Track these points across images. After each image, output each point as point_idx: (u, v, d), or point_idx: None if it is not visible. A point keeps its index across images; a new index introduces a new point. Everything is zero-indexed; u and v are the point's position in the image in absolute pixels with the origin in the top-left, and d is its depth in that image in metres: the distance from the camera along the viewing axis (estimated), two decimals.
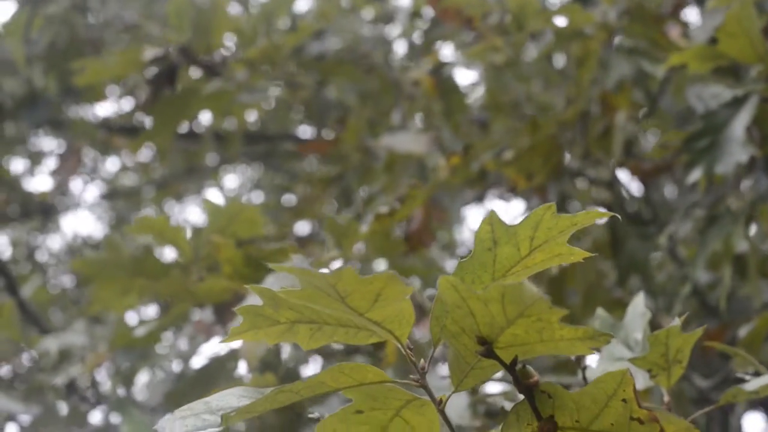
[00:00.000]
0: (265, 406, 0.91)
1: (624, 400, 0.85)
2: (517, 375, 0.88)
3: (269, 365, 1.92)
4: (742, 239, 1.93)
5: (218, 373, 2.02)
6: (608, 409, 0.87)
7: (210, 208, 1.97)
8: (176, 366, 3.02)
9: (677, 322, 1.11)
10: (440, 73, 3.13)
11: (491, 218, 0.91)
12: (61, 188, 5.40)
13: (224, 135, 4.45)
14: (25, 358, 2.92)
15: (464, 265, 0.94)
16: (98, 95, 3.45)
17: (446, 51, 3.41)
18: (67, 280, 5.33)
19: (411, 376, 0.97)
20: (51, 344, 2.63)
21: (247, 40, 2.81)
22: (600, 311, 1.35)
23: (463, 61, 2.85)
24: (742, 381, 1.21)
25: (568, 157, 2.51)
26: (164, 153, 3.06)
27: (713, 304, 2.51)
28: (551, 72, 2.75)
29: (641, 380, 1.19)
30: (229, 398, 0.93)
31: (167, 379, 2.88)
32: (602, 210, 0.89)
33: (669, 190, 3.26)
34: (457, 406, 1.71)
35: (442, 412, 0.95)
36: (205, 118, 4.77)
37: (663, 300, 2.58)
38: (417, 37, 3.46)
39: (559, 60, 2.88)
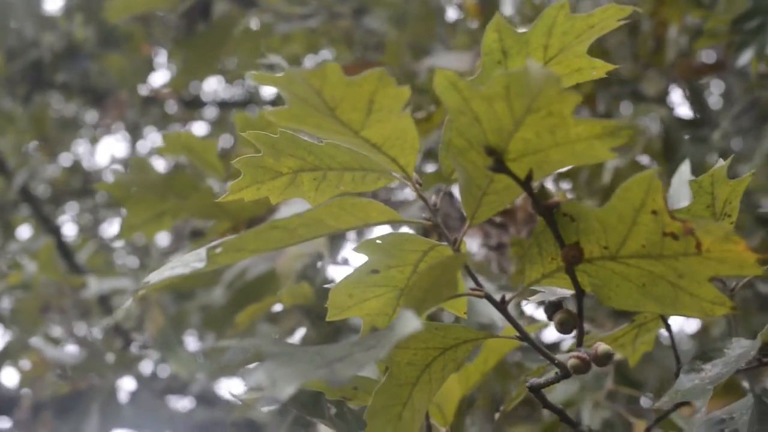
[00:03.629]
0: (257, 244, 0.82)
1: (654, 212, 0.75)
2: (533, 193, 0.79)
3: (306, 278, 1.84)
4: None
5: (255, 294, 1.95)
6: (637, 227, 0.77)
7: (241, 121, 1.88)
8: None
9: (722, 163, 1.00)
10: (488, 2, 3.02)
11: (498, 24, 0.81)
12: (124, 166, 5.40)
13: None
14: (72, 305, 2.87)
15: (473, 83, 0.84)
16: (136, 44, 3.40)
17: None
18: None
19: (422, 215, 0.88)
20: (93, 286, 2.57)
21: None
22: None
23: None
24: None
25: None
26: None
27: None
28: None
29: None
30: (219, 241, 0.84)
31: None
32: (621, 6, 0.79)
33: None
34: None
35: (458, 252, 0.86)
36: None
37: None
38: None
39: None
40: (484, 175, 0.79)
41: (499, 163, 0.76)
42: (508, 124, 0.72)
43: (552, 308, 0.87)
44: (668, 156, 2.17)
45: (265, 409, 1.82)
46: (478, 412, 2.16)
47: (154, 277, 0.85)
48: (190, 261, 0.85)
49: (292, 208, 1.69)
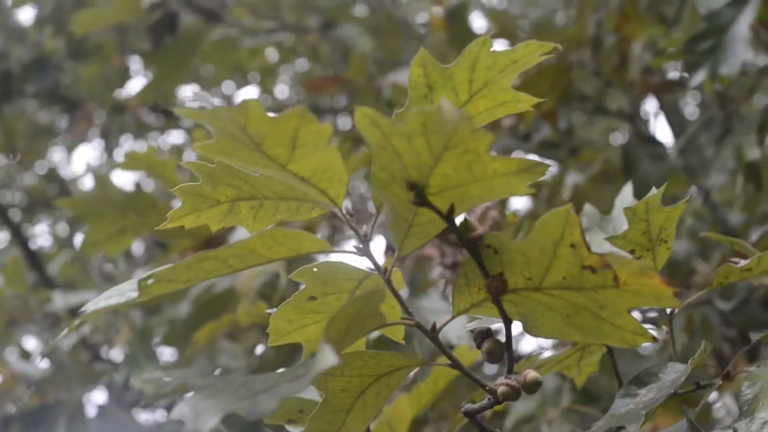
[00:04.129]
0: (188, 274, 0.84)
1: (572, 245, 0.77)
2: (456, 226, 0.80)
3: (266, 297, 1.85)
4: (754, 147, 1.84)
5: (215, 310, 1.96)
6: (558, 260, 0.78)
7: (200, 139, 1.89)
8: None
9: (655, 192, 1.02)
10: (453, 16, 3.04)
11: (423, 59, 0.83)
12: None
13: None
14: (40, 317, 2.88)
15: (401, 116, 0.86)
16: (107, 55, 3.41)
17: None
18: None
19: (353, 245, 0.89)
20: (59, 300, 2.57)
21: None
22: (587, 206, 1.27)
23: None
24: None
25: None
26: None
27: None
28: None
29: None
30: (151, 272, 0.85)
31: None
32: (543, 43, 0.81)
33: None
34: (455, 329, 1.63)
35: (389, 282, 0.88)
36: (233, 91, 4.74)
37: (695, 246, 2.51)
38: None
39: None
40: (408, 209, 0.80)
41: (420, 197, 0.78)
42: (428, 159, 0.74)
43: (480, 337, 0.89)
44: (627, 172, 2.20)
45: None
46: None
47: (90, 306, 0.86)
48: (126, 290, 0.87)
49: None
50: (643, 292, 0.77)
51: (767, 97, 1.93)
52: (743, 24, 1.71)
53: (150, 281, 0.82)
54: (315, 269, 0.92)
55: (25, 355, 3.41)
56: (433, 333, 0.89)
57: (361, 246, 0.88)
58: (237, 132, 0.76)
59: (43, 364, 2.87)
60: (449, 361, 0.91)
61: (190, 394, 0.72)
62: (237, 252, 0.85)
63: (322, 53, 3.00)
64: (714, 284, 1.10)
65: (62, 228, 5.44)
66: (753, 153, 1.83)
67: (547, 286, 0.81)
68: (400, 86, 2.45)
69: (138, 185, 1.93)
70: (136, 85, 5.00)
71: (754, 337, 1.16)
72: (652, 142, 2.25)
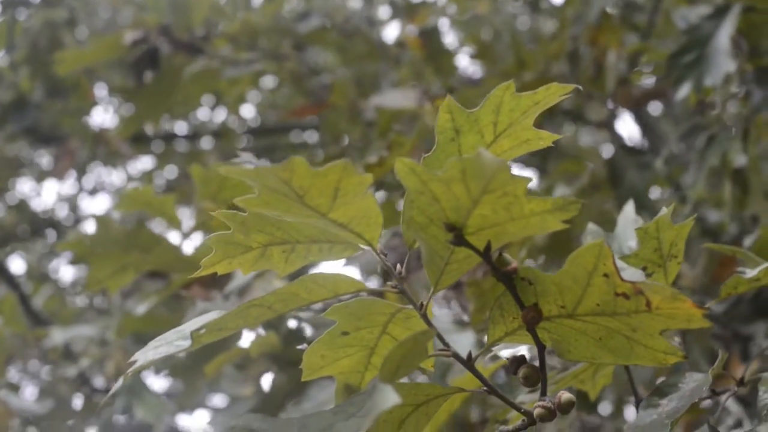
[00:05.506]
0: (237, 322, 0.88)
1: (605, 275, 0.81)
2: (493, 262, 0.85)
3: (272, 327, 1.89)
4: (740, 153, 1.89)
5: (221, 342, 1.98)
6: (591, 288, 0.83)
7: (198, 175, 1.93)
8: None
9: (665, 211, 1.07)
10: (428, 35, 3.09)
11: (449, 105, 0.87)
12: (71, 204, 5.40)
13: (223, 132, 4.43)
14: (35, 355, 2.89)
15: (429, 159, 0.90)
16: (84, 93, 3.43)
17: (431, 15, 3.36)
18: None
19: (388, 283, 0.93)
20: (57, 336, 2.60)
21: (226, 16, 2.79)
22: (590, 225, 1.31)
23: (447, 13, 2.80)
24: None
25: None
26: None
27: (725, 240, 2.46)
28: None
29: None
30: (201, 321, 0.89)
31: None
32: (562, 84, 0.85)
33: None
34: (464, 343, 1.67)
35: (425, 317, 0.92)
36: (203, 114, 4.77)
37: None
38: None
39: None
40: (445, 248, 0.84)
41: (459, 237, 0.82)
42: (466, 202, 0.78)
43: (516, 364, 0.93)
44: (614, 183, 2.24)
45: None
46: None
47: (140, 357, 0.90)
48: (173, 340, 0.90)
49: None
50: (675, 315, 0.81)
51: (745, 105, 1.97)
52: (724, 36, 1.77)
53: (202, 331, 0.85)
54: (348, 306, 0.96)
55: (12, 387, 3.42)
56: (469, 362, 0.93)
57: (396, 284, 0.92)
58: (280, 186, 0.79)
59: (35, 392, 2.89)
60: (485, 387, 0.95)
61: None
62: (281, 297, 0.88)
63: (300, 77, 3.03)
64: (723, 294, 1.14)
65: (35, 258, 5.44)
66: (739, 160, 1.88)
67: (580, 313, 0.85)
68: (383, 109, 2.49)
69: (139, 222, 1.96)
70: (103, 113, 5.02)
71: (764, 343, 1.21)
72: (636, 152, 2.30)
